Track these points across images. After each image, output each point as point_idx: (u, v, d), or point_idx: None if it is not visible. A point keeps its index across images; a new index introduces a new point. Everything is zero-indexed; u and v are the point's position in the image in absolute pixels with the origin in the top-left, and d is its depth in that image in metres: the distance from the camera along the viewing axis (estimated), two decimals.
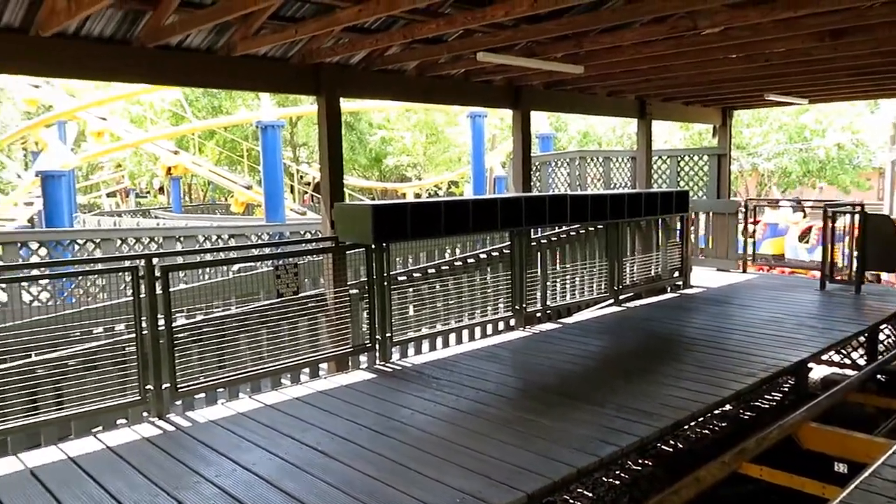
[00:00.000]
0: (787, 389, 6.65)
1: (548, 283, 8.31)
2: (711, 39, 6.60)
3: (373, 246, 6.44)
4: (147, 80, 6.10)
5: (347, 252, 6.63)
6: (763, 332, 7.48)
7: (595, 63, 7.49)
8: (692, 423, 5.32)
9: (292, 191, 30.65)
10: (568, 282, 8.85)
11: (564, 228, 9.12)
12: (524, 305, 7.95)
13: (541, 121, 24.25)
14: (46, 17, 4.93)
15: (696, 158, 13.33)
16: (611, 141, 32.58)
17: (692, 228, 11.47)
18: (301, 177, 35.45)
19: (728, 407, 5.77)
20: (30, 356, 5.14)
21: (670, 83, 9.42)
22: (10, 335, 4.98)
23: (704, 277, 11.19)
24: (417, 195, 34.21)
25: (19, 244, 8.87)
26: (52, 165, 17.87)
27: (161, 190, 42.08)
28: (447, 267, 7.93)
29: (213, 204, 35.25)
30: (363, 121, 34.98)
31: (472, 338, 8.00)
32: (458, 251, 9.43)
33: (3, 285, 7.26)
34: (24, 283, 6.92)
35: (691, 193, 12.95)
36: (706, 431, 5.56)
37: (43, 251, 9.04)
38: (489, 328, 8.25)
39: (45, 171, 17.53)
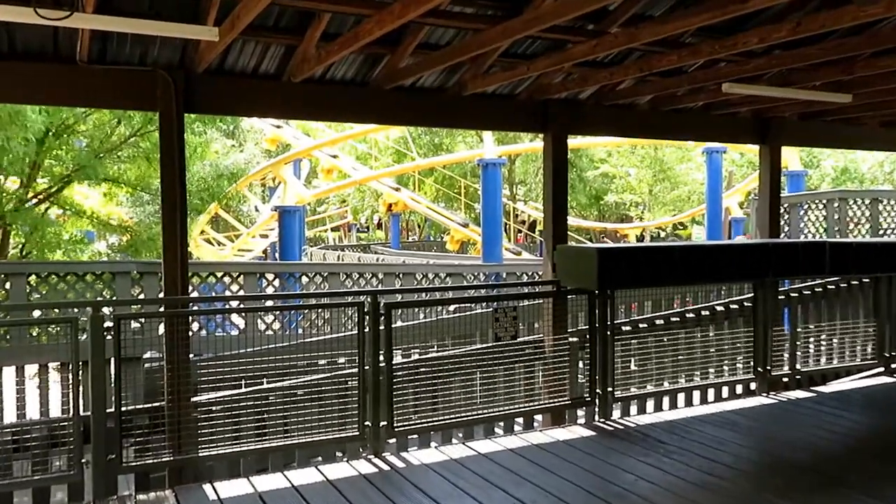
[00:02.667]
0: None
1: (798, 344, 7.61)
2: None
3: (597, 292, 6.34)
4: (383, 120, 6.62)
5: (568, 297, 6.58)
6: None
7: (866, 90, 6.83)
8: None
9: (506, 229, 31.39)
10: (824, 343, 8.03)
11: (820, 281, 8.33)
12: (768, 368, 7.34)
13: (790, 156, 22.56)
14: (298, 65, 5.57)
15: None
16: (877, 178, 29.35)
17: None
18: (516, 215, 36.21)
19: None
20: (261, 383, 5.70)
21: None
22: (245, 362, 5.56)
23: None
24: (639, 237, 33.29)
25: (258, 275, 9.98)
26: (289, 200, 20.10)
27: (379, 225, 45.11)
28: (677, 319, 7.57)
29: (428, 241, 36.95)
30: (583, 157, 34.94)
31: (703, 400, 7.53)
32: (689, 301, 8.99)
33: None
34: (260, 312, 7.82)
35: None
36: None
37: (277, 282, 10.01)
38: (725, 391, 7.72)
39: (283, 206, 19.69)
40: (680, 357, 7.12)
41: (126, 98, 5.48)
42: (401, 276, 10.94)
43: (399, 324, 6.97)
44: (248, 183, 28.66)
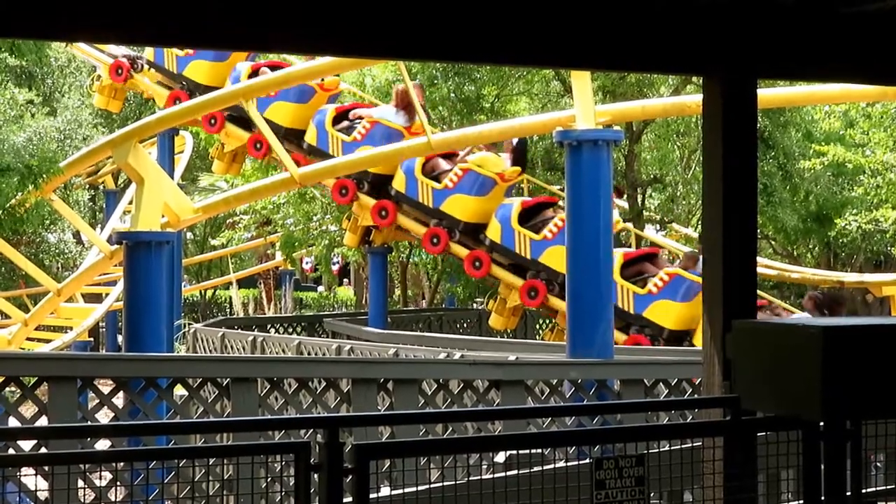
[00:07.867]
0: None
1: None
2: None
3: (821, 425, 4.09)
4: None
5: (758, 435, 4.25)
6: None
7: None
8: None
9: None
10: None
11: None
12: None
13: None
14: None
15: None
16: None
17: None
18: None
19: None
20: None
21: None
22: None
23: None
24: None
25: (79, 383, 6.49)
26: (148, 223, 10.77)
27: (343, 273, 29.98)
28: None
29: (451, 308, 21.90)
30: (790, 127, 17.38)
31: None
32: None
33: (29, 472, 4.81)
34: (81, 467, 4.30)
35: None
36: None
37: (121, 399, 6.86)
38: None
39: (134, 232, 10.56)
40: None
41: None
42: (389, 384, 7.24)
43: (385, 492, 4.39)
44: (59, 184, 14.76)
